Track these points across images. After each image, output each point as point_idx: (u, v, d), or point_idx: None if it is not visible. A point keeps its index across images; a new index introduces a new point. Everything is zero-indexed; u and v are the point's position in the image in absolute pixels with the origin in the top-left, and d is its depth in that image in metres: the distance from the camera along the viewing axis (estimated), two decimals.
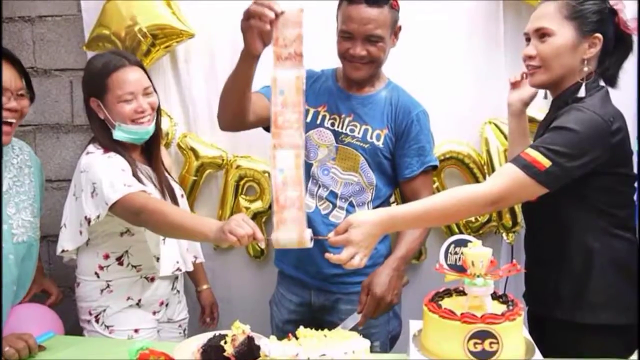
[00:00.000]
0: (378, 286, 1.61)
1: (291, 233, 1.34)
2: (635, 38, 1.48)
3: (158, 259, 1.70)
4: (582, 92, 1.42)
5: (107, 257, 1.70)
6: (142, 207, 1.53)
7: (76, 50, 2.28)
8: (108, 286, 1.70)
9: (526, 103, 1.68)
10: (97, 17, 2.12)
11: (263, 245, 2.17)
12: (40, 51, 2.33)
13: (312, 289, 1.80)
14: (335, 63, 1.78)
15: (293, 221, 1.34)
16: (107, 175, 1.58)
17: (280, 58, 1.38)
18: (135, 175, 1.64)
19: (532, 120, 1.98)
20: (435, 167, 1.80)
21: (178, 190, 1.84)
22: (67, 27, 2.30)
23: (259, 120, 1.68)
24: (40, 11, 2.31)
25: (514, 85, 1.69)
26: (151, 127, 1.70)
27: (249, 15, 1.41)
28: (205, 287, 2.04)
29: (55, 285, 2.00)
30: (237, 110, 1.63)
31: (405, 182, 1.76)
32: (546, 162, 1.32)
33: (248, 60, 1.50)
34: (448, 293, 1.34)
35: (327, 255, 1.35)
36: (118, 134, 1.67)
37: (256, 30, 1.41)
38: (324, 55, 1.80)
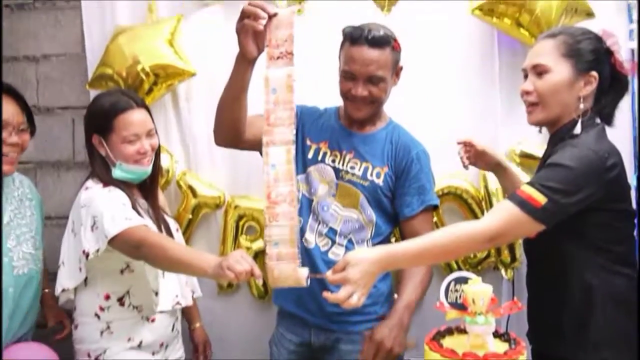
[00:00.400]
0: (378, 333, 1.60)
1: (283, 229, 1.31)
2: (630, 78, 1.51)
3: (157, 293, 1.68)
4: (578, 129, 1.44)
5: (107, 297, 1.68)
6: (142, 241, 1.53)
7: (79, 88, 2.31)
8: (108, 327, 1.67)
9: (494, 164, 1.72)
10: (101, 56, 2.15)
11: (260, 282, 2.15)
12: (43, 89, 2.36)
13: (312, 327, 1.78)
14: (337, 100, 1.80)
15: (284, 216, 1.32)
16: (108, 208, 1.58)
17: (273, 58, 1.41)
18: (134, 208, 1.64)
19: (530, 156, 2.01)
20: (435, 207, 1.80)
21: (173, 225, 1.85)
22: (71, 66, 2.34)
23: (255, 140, 1.63)
24: (45, 51, 2.35)
25: (471, 162, 1.73)
26: (149, 168, 1.72)
27: (242, 16, 1.45)
28: (198, 325, 2.01)
29: (67, 317, 1.93)
30: (232, 119, 1.64)
31: (405, 221, 1.75)
32: (542, 199, 1.33)
33: (243, 64, 1.52)
34: (449, 331, 1.33)
35: (324, 294, 1.32)
36: (117, 173, 1.68)
37: (250, 30, 1.44)
38: (325, 93, 1.84)
